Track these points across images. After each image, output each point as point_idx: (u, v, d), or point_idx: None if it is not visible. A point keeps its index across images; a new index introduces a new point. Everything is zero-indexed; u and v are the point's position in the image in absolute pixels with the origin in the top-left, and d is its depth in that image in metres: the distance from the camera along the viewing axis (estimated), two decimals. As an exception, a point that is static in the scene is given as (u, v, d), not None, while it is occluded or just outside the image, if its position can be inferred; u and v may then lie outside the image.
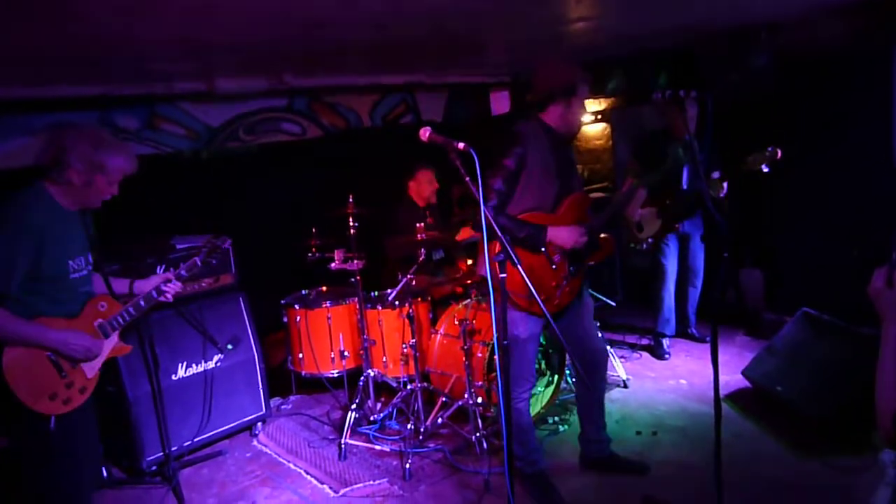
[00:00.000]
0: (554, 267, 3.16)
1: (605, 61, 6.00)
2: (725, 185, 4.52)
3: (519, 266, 2.41)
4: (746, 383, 4.32)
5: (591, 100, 6.83)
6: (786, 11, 4.56)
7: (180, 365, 4.04)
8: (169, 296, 2.95)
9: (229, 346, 4.24)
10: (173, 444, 3.87)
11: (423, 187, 5.14)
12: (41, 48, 3.26)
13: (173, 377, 3.99)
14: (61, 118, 4.59)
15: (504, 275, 2.47)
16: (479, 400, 3.89)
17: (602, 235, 4.21)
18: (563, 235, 3.10)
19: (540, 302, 2.46)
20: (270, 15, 3.11)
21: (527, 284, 2.45)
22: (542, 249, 3.10)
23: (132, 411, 3.80)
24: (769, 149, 4.06)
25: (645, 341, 5.38)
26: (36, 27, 2.82)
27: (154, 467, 3.88)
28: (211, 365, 4.17)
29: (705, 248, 5.06)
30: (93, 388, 2.71)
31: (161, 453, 3.82)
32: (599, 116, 6.81)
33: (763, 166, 3.96)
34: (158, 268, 3.98)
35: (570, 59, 3.39)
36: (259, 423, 4.45)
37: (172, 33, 3.33)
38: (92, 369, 2.69)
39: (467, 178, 2.40)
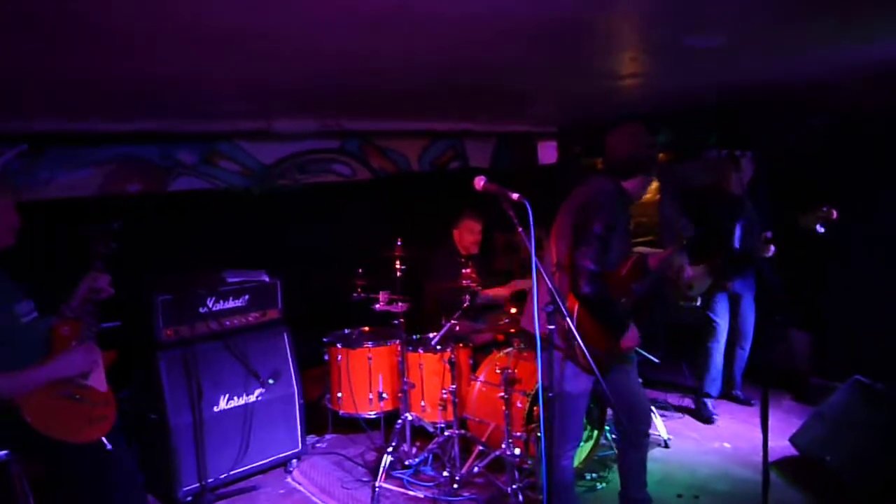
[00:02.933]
0: None
1: (653, 115, 6.03)
2: (772, 247, 4.47)
3: (569, 320, 2.41)
4: (793, 450, 4.17)
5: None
6: (834, 74, 4.55)
7: (222, 397, 4.09)
8: (108, 289, 2.81)
9: (271, 381, 4.28)
10: (210, 476, 3.90)
11: (465, 236, 5.13)
12: (113, 84, 3.42)
13: (215, 409, 4.04)
14: (125, 151, 4.81)
15: (552, 326, 2.47)
16: (517, 451, 3.84)
17: None
18: (631, 337, 3.13)
19: (590, 358, 2.45)
20: (331, 61, 3.23)
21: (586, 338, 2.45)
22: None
23: (172, 440, 3.85)
24: (824, 208, 3.99)
25: (687, 401, 5.25)
26: (110, 65, 2.98)
27: (189, 497, 3.90)
28: (252, 398, 4.22)
29: (756, 308, 4.96)
30: (114, 401, 2.77)
31: (197, 484, 3.86)
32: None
33: (818, 226, 3.88)
34: (209, 299, 4.08)
35: (629, 117, 3.41)
36: (294, 460, 4.46)
37: (237, 77, 3.48)
38: (101, 383, 2.73)
39: (520, 229, 2.42)
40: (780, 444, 4.25)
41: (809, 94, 5.07)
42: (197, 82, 3.55)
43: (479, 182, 2.57)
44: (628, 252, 3.17)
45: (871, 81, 4.64)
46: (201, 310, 4.05)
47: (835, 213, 4.07)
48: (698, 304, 4.78)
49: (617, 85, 4.54)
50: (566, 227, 3.04)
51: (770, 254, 4.56)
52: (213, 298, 4.11)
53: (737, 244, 4.61)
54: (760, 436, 3.03)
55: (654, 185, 6.77)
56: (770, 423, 3.06)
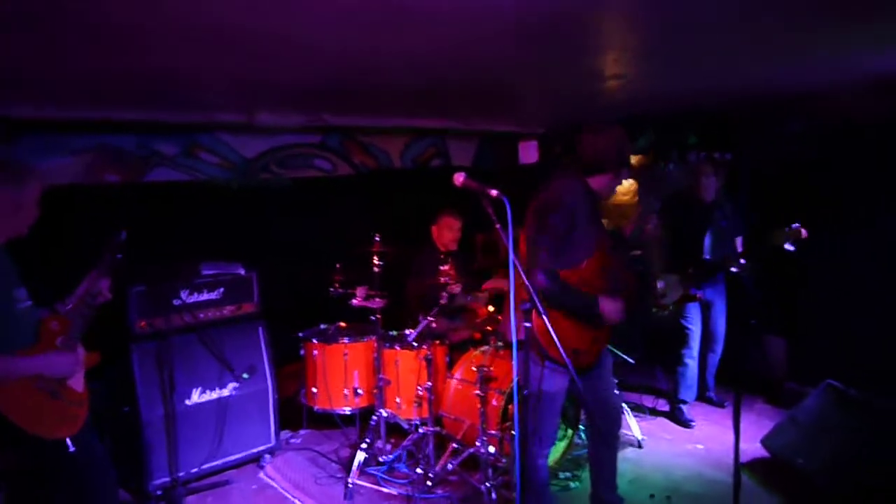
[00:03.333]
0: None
1: (635, 118, 6.06)
2: (742, 260, 4.52)
3: (545, 318, 2.41)
4: (765, 452, 4.22)
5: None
6: (821, 84, 4.59)
7: (195, 390, 4.05)
8: (106, 293, 2.84)
9: (245, 375, 4.25)
10: (181, 470, 3.86)
11: (443, 233, 5.11)
12: (97, 74, 3.37)
13: (187, 402, 4.00)
14: (102, 140, 4.73)
15: (529, 324, 2.47)
16: (492, 449, 3.84)
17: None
18: (610, 309, 3.06)
19: (564, 355, 2.45)
20: (321, 57, 3.21)
21: (559, 336, 2.44)
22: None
23: (145, 433, 3.81)
24: (793, 226, 4.02)
25: (661, 403, 5.29)
26: (96, 57, 2.94)
27: (160, 492, 3.86)
28: (225, 392, 4.18)
29: (728, 314, 5.00)
30: (88, 402, 2.74)
31: (168, 477, 3.82)
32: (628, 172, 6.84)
33: (787, 244, 3.91)
34: (183, 292, 4.03)
35: (612, 120, 3.39)
36: (267, 455, 4.43)
37: (228, 72, 3.45)
38: (79, 383, 2.71)
39: (498, 226, 2.42)
40: (752, 447, 4.29)
41: (797, 100, 5.10)
42: (196, 80, 3.54)
43: (459, 178, 2.56)
44: (593, 247, 3.15)
45: (859, 90, 4.68)
46: (175, 302, 4.01)
47: (804, 232, 4.11)
48: (668, 312, 4.81)
49: (603, 86, 4.55)
50: (531, 228, 3.04)
51: (741, 267, 4.59)
52: (188, 290, 4.07)
53: (707, 254, 4.64)
54: (733, 438, 3.06)
55: (634, 186, 6.81)
56: (742, 425, 3.09)
